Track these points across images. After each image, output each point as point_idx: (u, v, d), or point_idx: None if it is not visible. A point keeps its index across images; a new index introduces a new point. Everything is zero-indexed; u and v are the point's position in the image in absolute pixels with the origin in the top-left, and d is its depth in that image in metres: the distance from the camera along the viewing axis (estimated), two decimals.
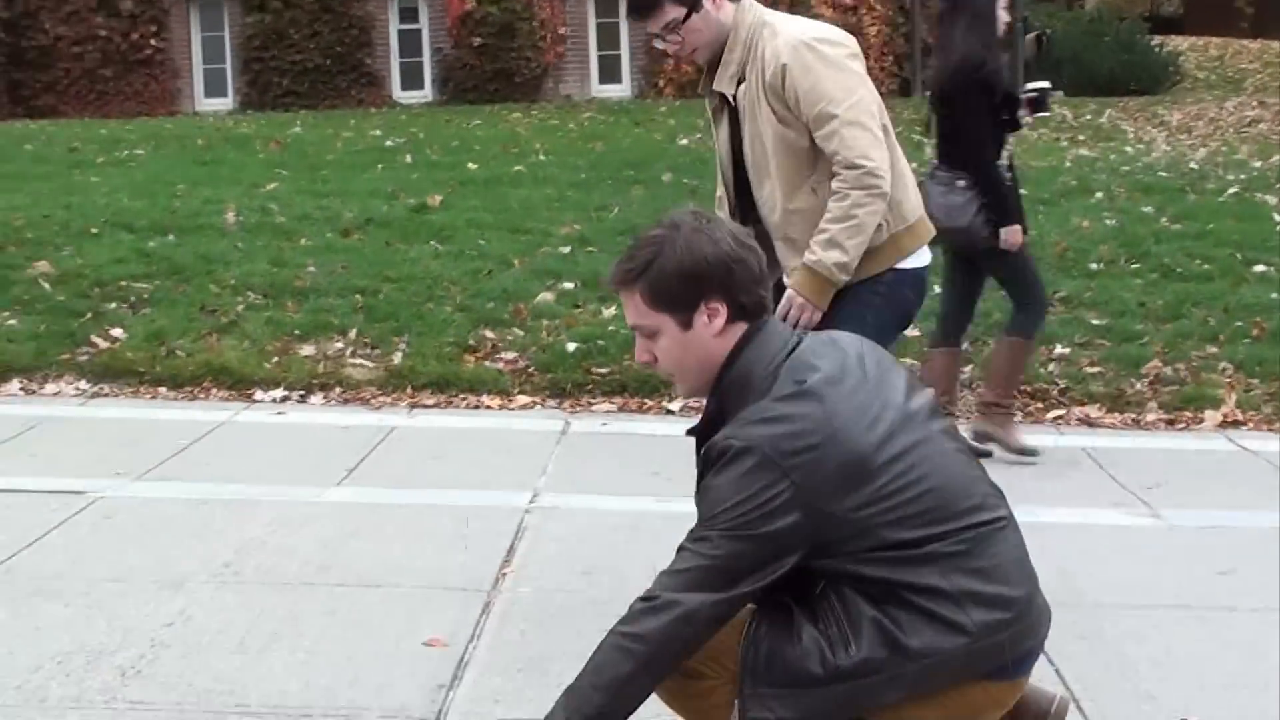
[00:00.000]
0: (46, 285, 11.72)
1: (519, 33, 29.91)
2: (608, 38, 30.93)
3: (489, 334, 10.69)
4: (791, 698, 3.78)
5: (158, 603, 6.07)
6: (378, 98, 29.76)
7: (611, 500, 7.51)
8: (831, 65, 5.41)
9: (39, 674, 5.36)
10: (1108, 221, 13.71)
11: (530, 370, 10.07)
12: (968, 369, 9.87)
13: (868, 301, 5.52)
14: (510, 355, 10.36)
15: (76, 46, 29.11)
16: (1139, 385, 10.13)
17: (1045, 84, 8.59)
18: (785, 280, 5.53)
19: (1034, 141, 19.91)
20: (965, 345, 9.35)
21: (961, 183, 8.23)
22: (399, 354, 10.37)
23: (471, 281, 11.93)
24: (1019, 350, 8.77)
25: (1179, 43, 39.36)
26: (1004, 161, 8.34)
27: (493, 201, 14.45)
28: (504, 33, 29.81)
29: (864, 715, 3.83)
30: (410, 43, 30.67)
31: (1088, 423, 9.71)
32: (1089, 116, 23.30)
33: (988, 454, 8.32)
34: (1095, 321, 11.14)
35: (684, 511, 4.09)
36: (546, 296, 11.27)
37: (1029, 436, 8.90)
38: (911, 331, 9.08)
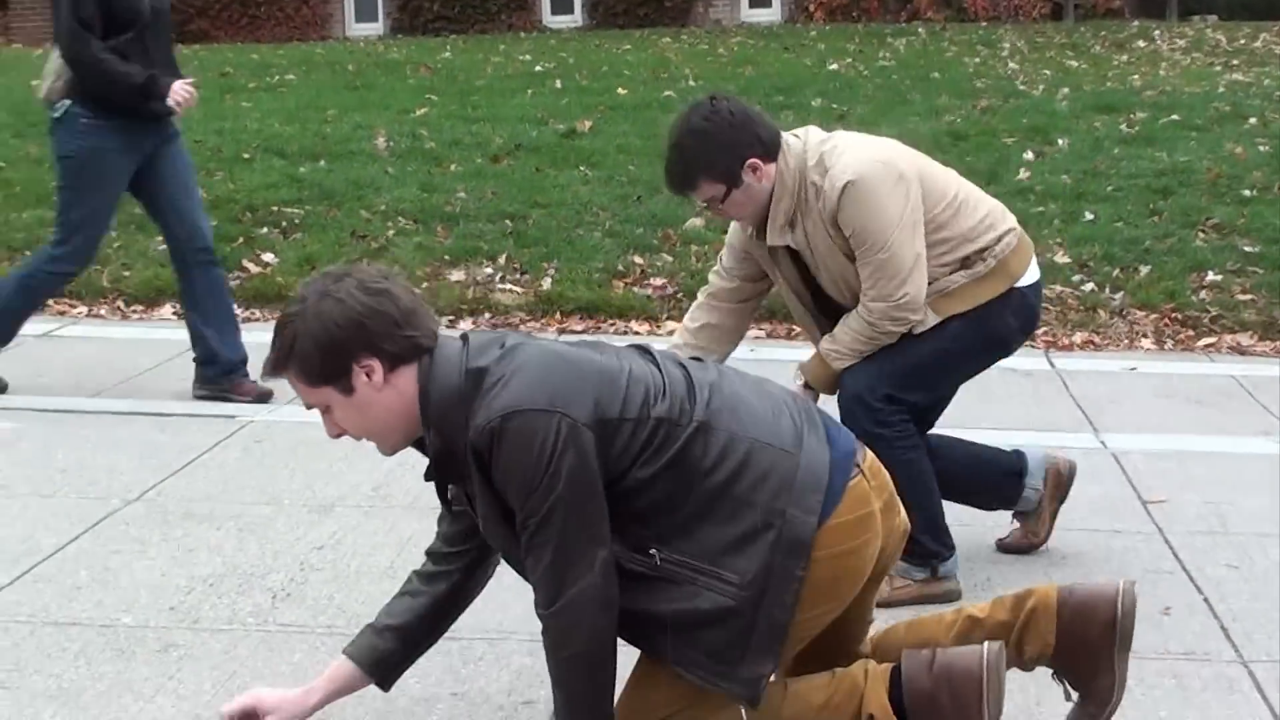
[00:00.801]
0: None
1: None
2: None
3: (637, 259, 10.67)
4: (735, 653, 3.82)
5: (308, 526, 6.13)
6: (528, 22, 29.68)
7: None
8: (876, 197, 5.22)
9: (191, 595, 5.42)
10: (1261, 148, 13.45)
11: (679, 296, 10.04)
12: None
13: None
14: (659, 281, 10.35)
15: None
16: None
17: None
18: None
19: (1186, 66, 19.56)
20: None
21: None
22: (548, 279, 10.38)
23: (620, 207, 11.90)
24: None
25: None
26: None
27: (642, 127, 14.39)
28: None
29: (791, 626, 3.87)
30: None
31: (1239, 351, 9.58)
32: (1243, 41, 22.81)
33: None
34: (1248, 249, 10.96)
35: None
36: (695, 222, 11.22)
37: (1179, 364, 8.79)
38: None
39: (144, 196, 8.09)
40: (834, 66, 19.31)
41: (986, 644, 3.99)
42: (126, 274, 10.65)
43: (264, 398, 7.86)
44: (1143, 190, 12.24)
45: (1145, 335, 9.82)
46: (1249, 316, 9.91)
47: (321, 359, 3.84)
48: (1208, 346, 9.66)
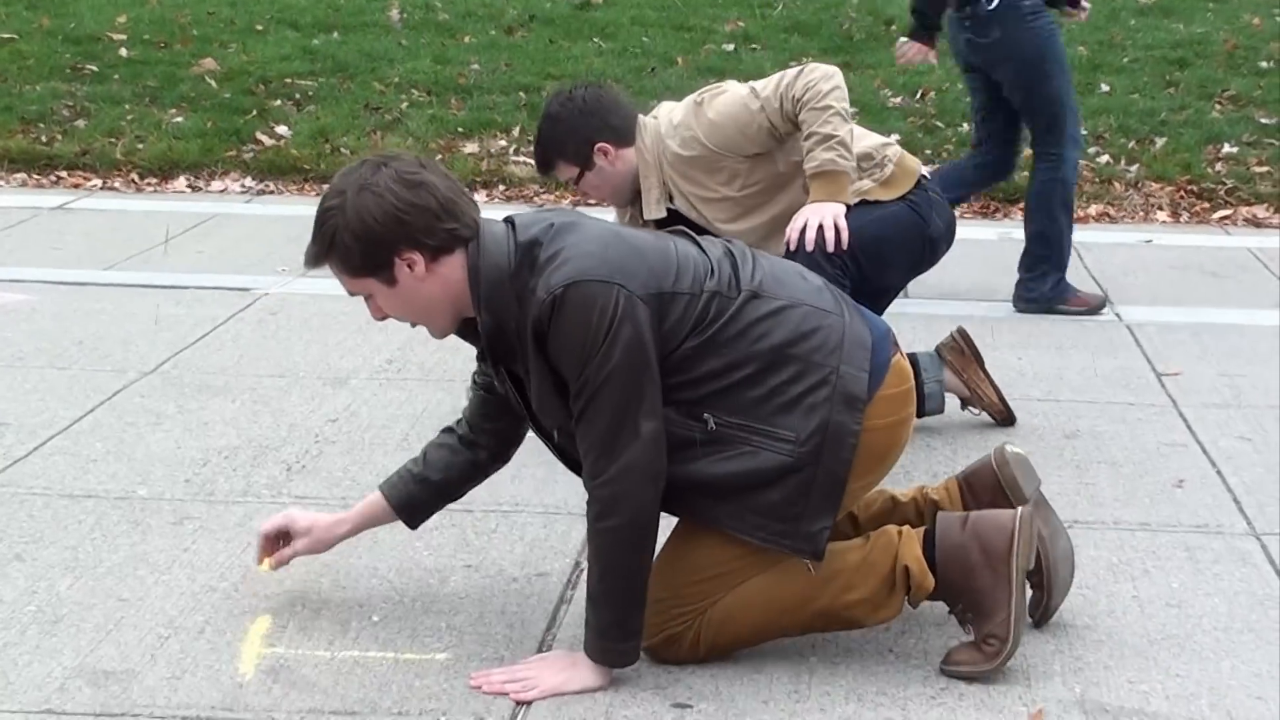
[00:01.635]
0: (212, 82, 11.79)
1: None
2: None
3: None
4: (795, 510, 3.91)
5: (322, 399, 6.14)
6: None
7: None
8: (716, 99, 5.58)
9: (206, 468, 5.44)
10: (1279, 18, 13.34)
11: None
12: None
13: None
14: None
15: None
16: None
17: None
18: None
19: None
20: None
21: None
22: None
23: (635, 79, 11.84)
24: None
25: None
26: None
27: None
28: None
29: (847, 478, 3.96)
30: None
31: (1254, 223, 9.56)
32: None
33: None
34: (1264, 120, 10.91)
35: None
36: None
37: (1194, 236, 8.78)
38: None
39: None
40: None
41: (1020, 507, 4.10)
42: (140, 146, 10.65)
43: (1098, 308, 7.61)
44: (1159, 62, 12.16)
45: (1161, 208, 9.79)
46: (1265, 189, 9.87)
47: (362, 253, 3.88)
48: (1223, 219, 9.63)
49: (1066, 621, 4.33)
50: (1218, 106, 11.22)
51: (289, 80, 11.90)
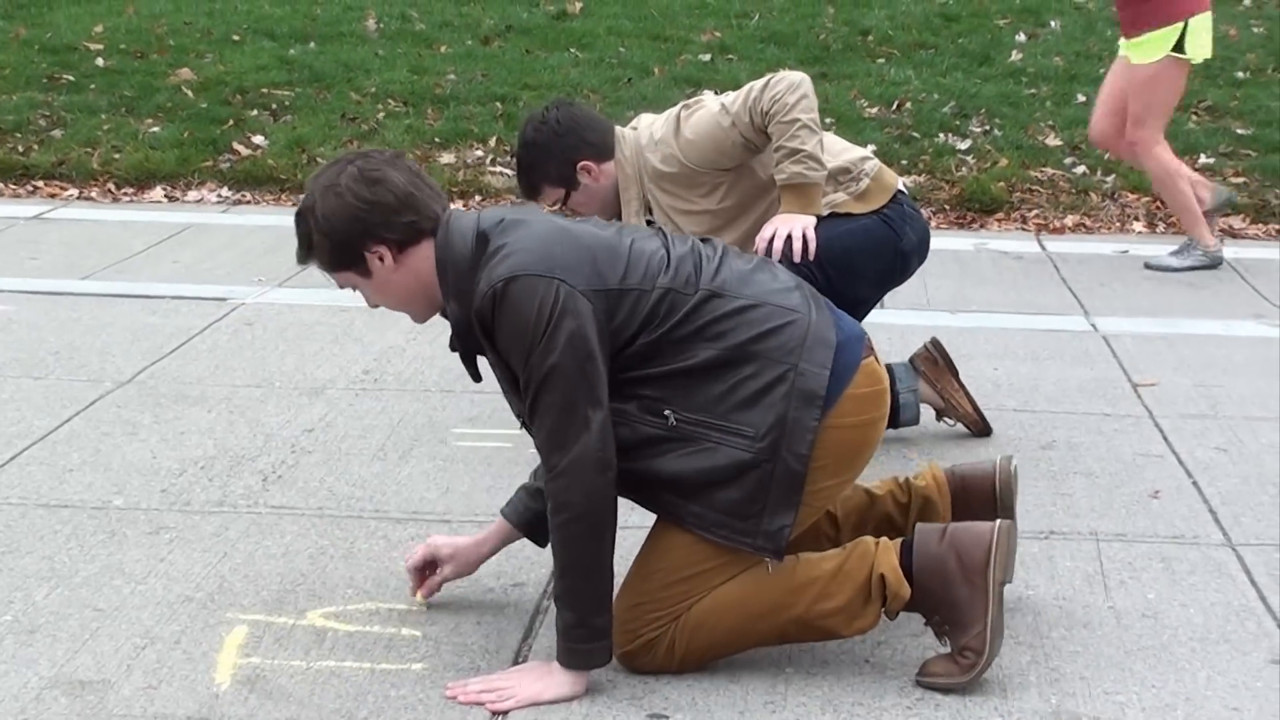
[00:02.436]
0: (189, 92, 11.78)
1: None
2: None
3: None
4: (755, 507, 3.95)
5: (298, 409, 6.13)
6: None
7: None
8: (692, 116, 5.56)
9: (183, 478, 5.43)
10: (1255, 29, 13.39)
11: None
12: None
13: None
14: None
15: None
16: None
17: None
18: None
19: None
20: None
21: None
22: None
23: (611, 89, 11.86)
24: None
25: None
26: None
27: (633, 8, 14.30)
28: None
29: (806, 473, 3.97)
30: None
31: (1230, 233, 9.58)
32: None
33: None
34: (1240, 131, 10.95)
35: None
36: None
37: (1170, 247, 8.80)
38: None
39: None
40: None
41: (999, 520, 4.15)
42: (117, 156, 10.63)
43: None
44: None
45: (1137, 218, 9.82)
46: (1241, 199, 9.89)
47: (333, 250, 4.07)
48: None
49: (1043, 633, 4.34)
50: (1194, 117, 11.25)
51: (265, 90, 11.90)
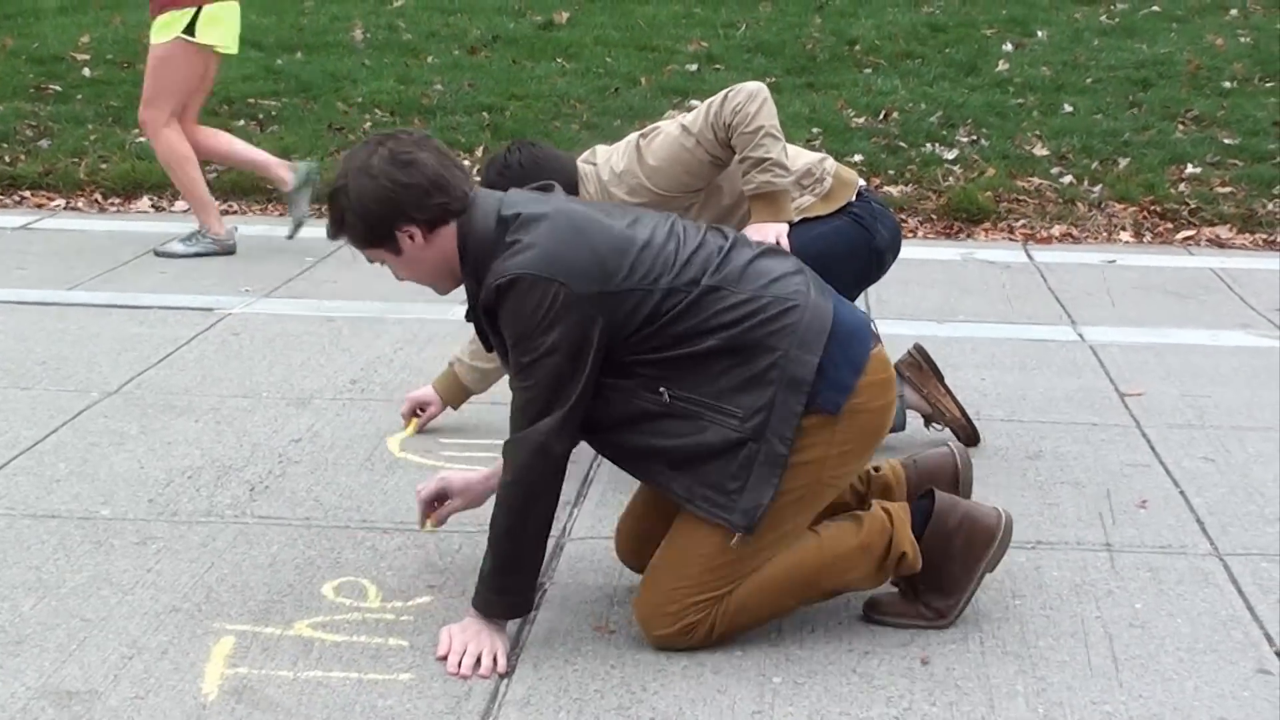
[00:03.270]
0: None
1: None
2: None
3: None
4: (737, 484, 4.16)
5: (285, 419, 6.13)
6: None
7: None
8: (653, 143, 5.60)
9: (169, 488, 5.42)
10: (1242, 39, 13.41)
11: None
12: None
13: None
14: None
15: None
16: (1270, 205, 10.00)
17: None
18: None
19: None
20: None
21: None
22: None
23: (598, 99, 11.86)
24: None
25: None
26: None
27: (620, 18, 14.30)
28: None
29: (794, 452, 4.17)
30: None
31: (1218, 243, 9.60)
32: None
33: None
34: (1227, 141, 10.96)
35: None
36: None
37: (1157, 257, 8.82)
38: None
39: None
40: None
41: (1005, 514, 4.48)
42: (104, 166, 10.63)
43: None
44: (1122, 82, 12.22)
45: (1124, 228, 9.82)
46: (1228, 209, 9.91)
47: (366, 229, 4.29)
48: (1186, 239, 9.67)
49: (1030, 642, 4.34)
50: (1181, 127, 11.27)
51: (252, 100, 11.90)
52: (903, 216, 9.80)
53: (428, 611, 4.50)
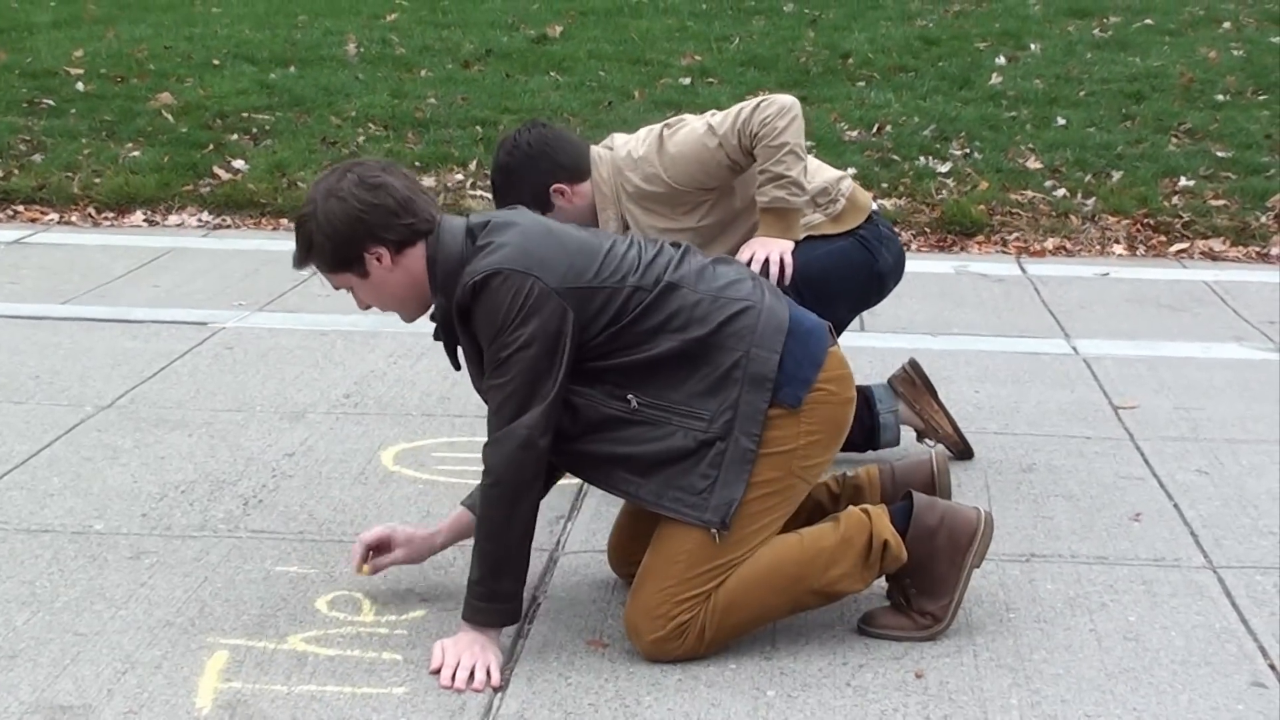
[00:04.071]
0: (169, 117, 11.78)
1: None
2: None
3: None
4: (708, 483, 4.22)
5: (279, 433, 6.13)
6: None
7: None
8: (675, 134, 5.54)
9: (163, 502, 5.42)
10: (1235, 52, 13.43)
11: None
12: None
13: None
14: None
15: None
16: (1264, 219, 10.01)
17: None
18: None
19: None
20: None
21: None
22: None
23: (591, 113, 11.87)
24: None
25: None
26: None
27: (613, 32, 14.32)
28: None
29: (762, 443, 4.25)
30: None
31: (1211, 256, 9.61)
32: None
33: None
34: (1220, 154, 10.98)
35: None
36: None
37: (1151, 270, 8.83)
38: None
39: None
40: None
41: (985, 510, 4.51)
42: (98, 181, 10.62)
43: None
44: (1115, 95, 12.24)
45: (1117, 241, 9.84)
46: (1221, 222, 9.92)
47: (334, 252, 4.33)
48: (1180, 252, 9.68)
49: (1024, 655, 4.34)
50: (1174, 140, 11.29)
51: (246, 114, 11.90)
52: (896, 229, 9.78)
53: (421, 626, 4.50)
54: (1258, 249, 9.71)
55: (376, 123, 11.73)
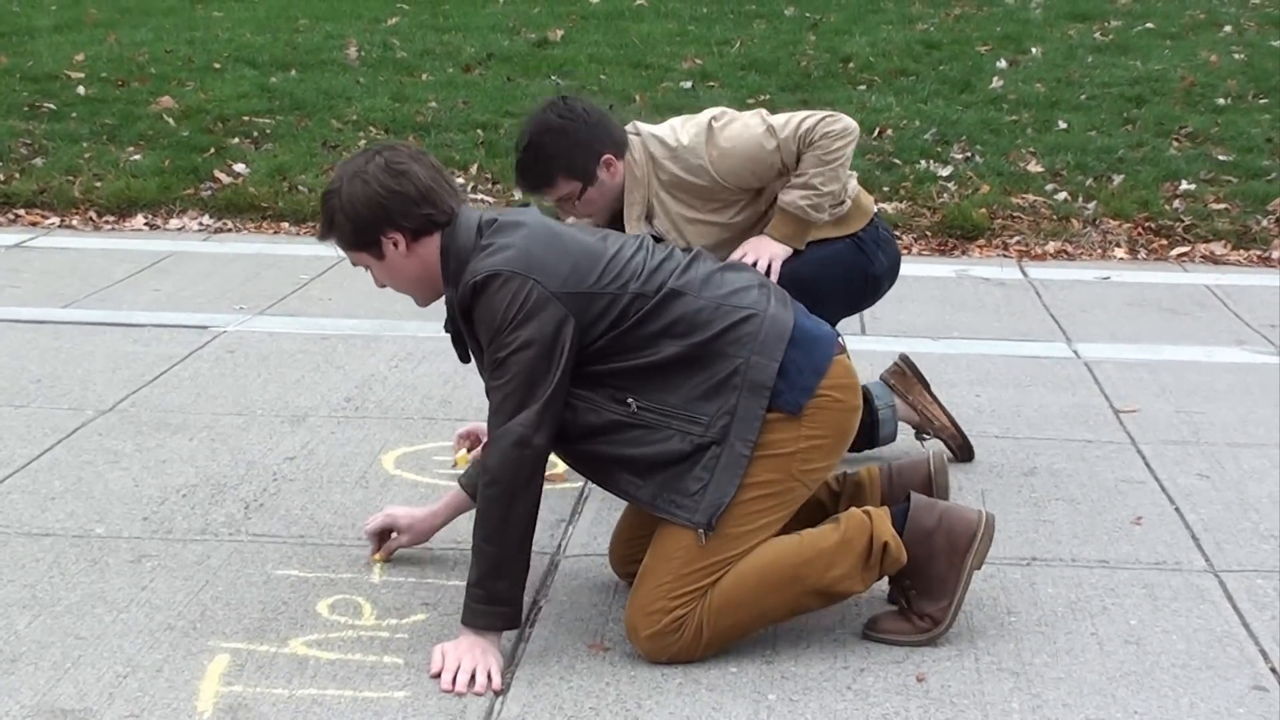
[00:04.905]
0: (170, 120, 11.78)
1: None
2: None
3: None
4: (700, 485, 4.25)
5: (280, 437, 6.12)
6: None
7: None
8: (728, 128, 5.47)
9: (164, 506, 5.42)
10: (1235, 56, 13.43)
11: None
12: None
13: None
14: None
15: None
16: (1265, 222, 10.01)
17: None
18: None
19: None
20: None
21: None
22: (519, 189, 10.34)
23: None
24: None
25: None
26: None
27: (614, 36, 14.32)
28: None
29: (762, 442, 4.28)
30: None
31: (1213, 260, 9.61)
32: None
33: None
34: (1222, 157, 10.97)
35: None
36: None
37: (1152, 273, 8.82)
38: None
39: None
40: None
41: (986, 511, 4.51)
42: (99, 185, 10.62)
43: None
44: (1116, 99, 12.23)
45: (1118, 244, 9.84)
46: (1222, 225, 9.92)
47: (354, 232, 4.42)
48: (1181, 256, 9.68)
49: (1025, 659, 4.34)
50: (1175, 144, 11.29)
51: (247, 118, 11.90)
52: (898, 233, 9.79)
53: (423, 629, 4.50)
54: (1259, 252, 9.71)
55: (377, 126, 11.73)
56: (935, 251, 9.82)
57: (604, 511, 5.32)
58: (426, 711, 4.03)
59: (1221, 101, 12.17)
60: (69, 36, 14.55)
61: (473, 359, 4.50)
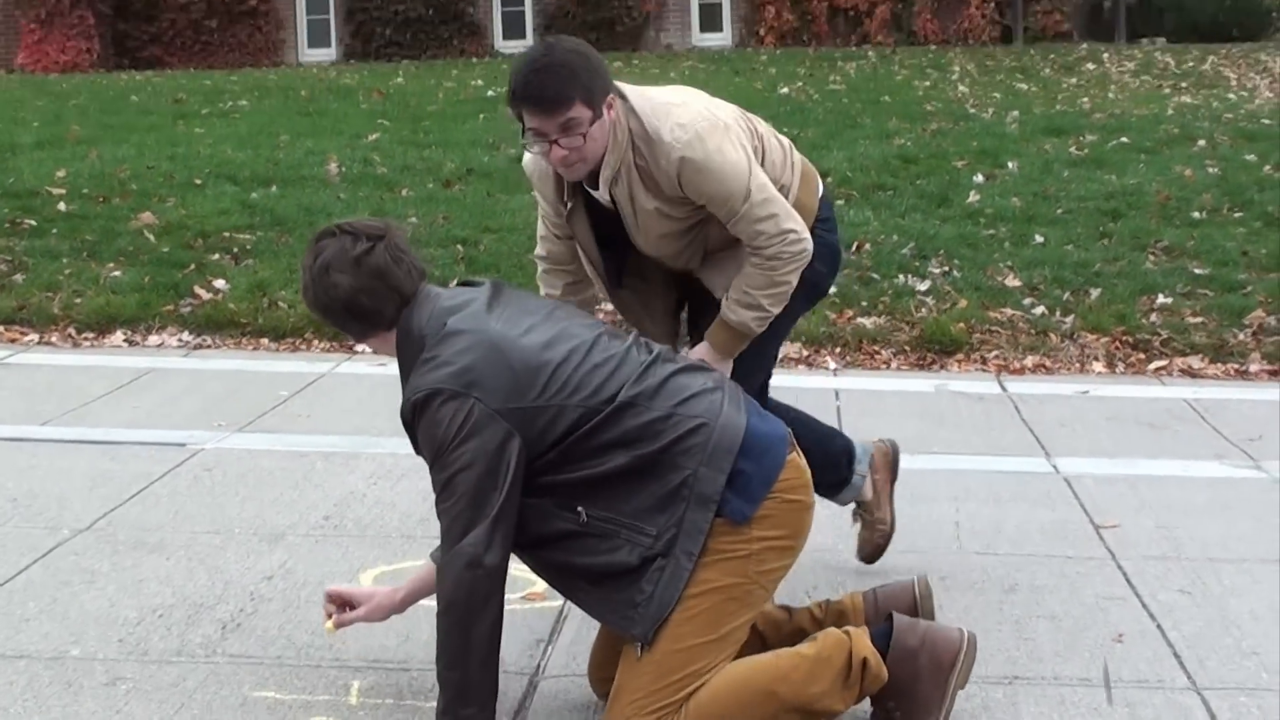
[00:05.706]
0: (150, 236, 11.80)
1: None
2: None
3: None
4: (644, 597, 4.26)
5: (258, 556, 6.10)
6: (479, 47, 29.71)
7: None
8: (718, 155, 5.06)
9: (140, 626, 5.39)
10: (1210, 170, 13.54)
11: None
12: None
13: None
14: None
15: None
16: (1242, 336, 10.02)
17: None
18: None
19: (1135, 89, 19.69)
20: None
21: None
22: None
23: None
24: None
25: None
26: None
27: None
28: None
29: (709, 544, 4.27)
30: None
31: (1190, 374, 9.62)
32: (1191, 64, 23.00)
33: None
34: (1198, 271, 11.02)
35: None
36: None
37: (1130, 388, 8.83)
38: None
39: None
40: (785, 90, 19.38)
41: (968, 630, 4.53)
42: (78, 301, 10.61)
43: None
44: (1092, 213, 12.31)
45: (1096, 359, 9.85)
46: (1200, 339, 9.95)
47: (346, 321, 4.55)
48: (1159, 370, 9.69)
49: None
50: (1151, 257, 11.35)
51: (227, 234, 11.93)
52: (876, 348, 9.84)
53: (430, 683, 4.48)
54: (1236, 365, 9.72)
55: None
56: (914, 366, 9.82)
57: (584, 630, 5.28)
58: None
59: (1197, 215, 12.26)
60: (51, 153, 14.62)
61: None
